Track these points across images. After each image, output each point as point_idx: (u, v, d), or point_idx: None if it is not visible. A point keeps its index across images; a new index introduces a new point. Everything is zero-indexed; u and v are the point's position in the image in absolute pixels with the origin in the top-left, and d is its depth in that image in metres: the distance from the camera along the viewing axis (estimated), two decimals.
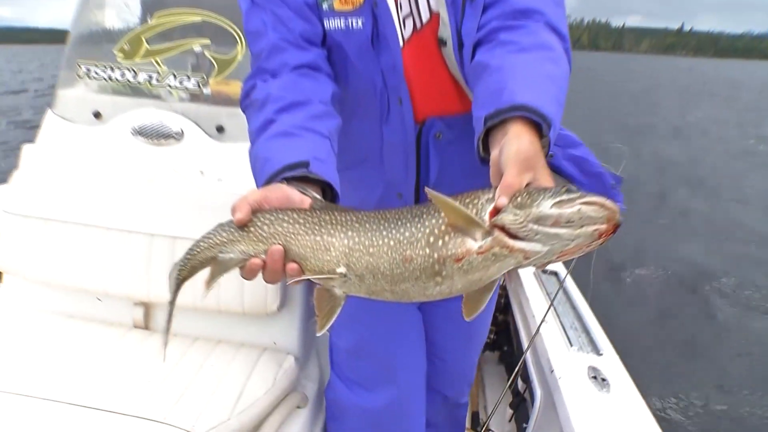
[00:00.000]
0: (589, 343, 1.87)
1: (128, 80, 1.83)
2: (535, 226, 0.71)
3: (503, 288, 2.55)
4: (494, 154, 0.85)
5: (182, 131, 1.78)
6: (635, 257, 5.83)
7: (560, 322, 1.98)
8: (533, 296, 2.16)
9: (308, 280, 0.84)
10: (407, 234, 0.77)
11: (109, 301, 1.78)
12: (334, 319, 0.83)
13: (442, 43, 1.20)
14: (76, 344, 1.63)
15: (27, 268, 1.77)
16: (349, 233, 0.80)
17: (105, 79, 1.82)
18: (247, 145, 1.79)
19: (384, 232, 0.79)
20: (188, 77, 1.83)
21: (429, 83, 1.23)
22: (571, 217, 0.70)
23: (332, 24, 1.13)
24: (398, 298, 0.81)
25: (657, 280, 5.46)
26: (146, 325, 1.75)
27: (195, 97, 1.84)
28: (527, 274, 2.31)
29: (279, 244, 0.81)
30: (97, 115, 1.84)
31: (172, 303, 0.90)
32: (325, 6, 1.12)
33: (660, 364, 4.10)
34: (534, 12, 1.07)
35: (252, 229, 0.82)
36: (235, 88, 1.84)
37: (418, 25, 1.18)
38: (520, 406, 2.19)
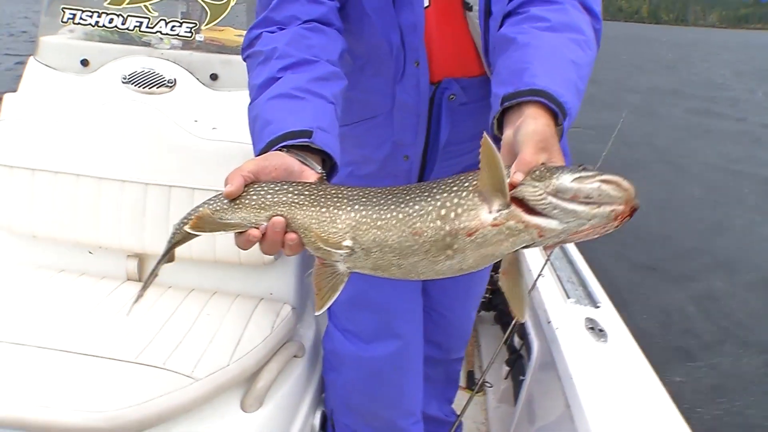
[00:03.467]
0: (586, 296, 1.87)
1: (117, 26, 1.76)
2: (554, 200, 0.69)
3: None
4: (507, 133, 0.84)
5: (174, 79, 1.72)
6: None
7: (557, 276, 1.98)
8: (529, 252, 2.16)
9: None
10: (417, 207, 0.75)
11: (100, 254, 1.74)
12: (335, 297, 0.80)
13: (467, 7, 1.17)
14: (69, 297, 1.60)
15: (14, 221, 1.72)
16: (356, 206, 0.78)
17: (92, 25, 1.76)
18: (242, 93, 1.75)
19: (392, 206, 0.76)
20: (180, 23, 1.77)
21: (450, 45, 1.20)
22: (591, 193, 0.68)
23: None
24: (405, 273, 0.78)
25: (653, 234, 5.50)
26: (140, 278, 1.71)
27: (187, 44, 1.79)
28: None
29: (281, 214, 0.78)
30: (84, 62, 1.77)
31: (159, 262, 0.89)
32: None
33: (657, 316, 4.19)
34: None
35: (254, 196, 0.79)
36: (229, 35, 1.79)
37: None
38: (517, 362, 2.20)
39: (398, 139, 1.28)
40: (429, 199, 0.74)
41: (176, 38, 1.78)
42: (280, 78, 0.95)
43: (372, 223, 0.76)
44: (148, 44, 1.79)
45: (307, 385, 1.64)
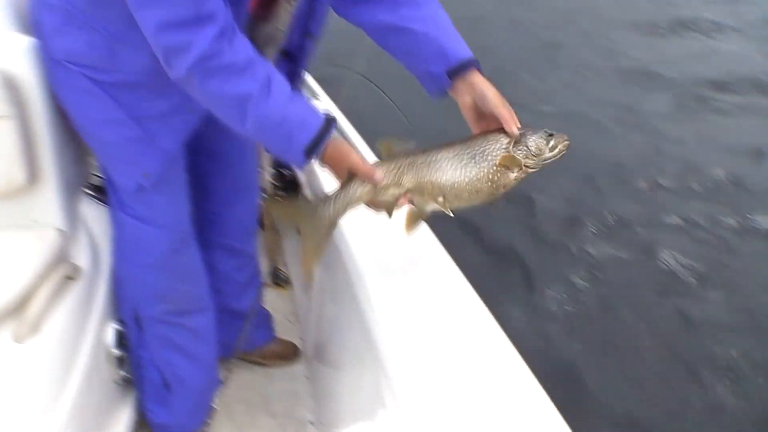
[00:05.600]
0: None
1: None
2: (541, 162, 1.32)
3: None
4: (467, 99, 1.36)
5: None
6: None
7: None
8: None
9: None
10: (474, 172, 1.30)
11: None
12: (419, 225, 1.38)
13: None
14: None
15: None
16: (438, 172, 1.31)
17: None
18: None
19: (458, 172, 1.31)
20: None
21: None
22: (554, 150, 1.31)
23: None
24: (468, 205, 1.35)
25: None
26: None
27: None
28: None
29: (404, 185, 1.32)
30: None
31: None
32: None
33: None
34: None
35: (386, 180, 1.31)
36: None
37: None
38: None
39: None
40: (478, 166, 1.30)
41: None
42: (272, 80, 1.17)
43: (451, 184, 1.31)
44: None
45: (89, 305, 1.60)
